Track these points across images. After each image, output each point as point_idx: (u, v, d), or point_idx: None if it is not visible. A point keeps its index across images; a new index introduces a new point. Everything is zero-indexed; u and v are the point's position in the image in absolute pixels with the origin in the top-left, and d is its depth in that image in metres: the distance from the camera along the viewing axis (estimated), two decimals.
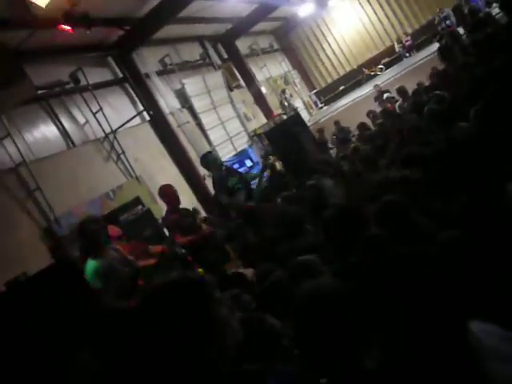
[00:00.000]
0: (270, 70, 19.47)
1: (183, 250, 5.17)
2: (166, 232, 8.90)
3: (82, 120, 9.48)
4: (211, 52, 15.77)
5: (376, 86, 13.47)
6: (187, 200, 9.70)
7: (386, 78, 16.51)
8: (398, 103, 9.52)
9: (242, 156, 14.27)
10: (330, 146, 12.88)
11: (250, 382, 1.41)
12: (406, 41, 19.79)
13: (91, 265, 4.50)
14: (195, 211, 7.80)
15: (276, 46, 21.81)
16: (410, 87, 9.36)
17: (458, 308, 1.70)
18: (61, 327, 3.01)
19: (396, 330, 1.87)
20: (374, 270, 2.46)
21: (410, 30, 20.70)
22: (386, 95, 11.38)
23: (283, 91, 18.93)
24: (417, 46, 19.53)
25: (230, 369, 1.38)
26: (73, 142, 9.02)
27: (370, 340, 1.60)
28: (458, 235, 2.49)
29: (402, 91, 9.14)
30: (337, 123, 12.70)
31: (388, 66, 20.03)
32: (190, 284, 1.43)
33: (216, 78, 14.54)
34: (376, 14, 21.40)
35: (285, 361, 2.11)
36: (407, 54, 19.61)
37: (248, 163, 14.00)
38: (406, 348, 1.72)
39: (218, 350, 1.37)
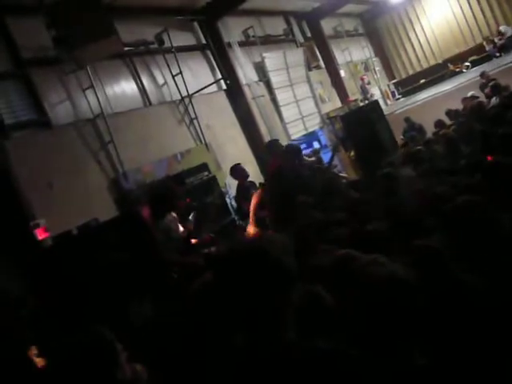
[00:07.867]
0: (352, 54, 19.03)
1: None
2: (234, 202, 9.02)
3: (161, 81, 9.68)
4: (295, 29, 15.63)
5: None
6: (252, 172, 9.71)
7: (471, 76, 15.76)
8: (492, 99, 8.98)
9: (311, 137, 14.16)
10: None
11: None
12: (500, 39, 18.74)
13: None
14: (262, 186, 7.78)
15: (361, 30, 21.31)
16: None
17: None
18: (127, 271, 3.14)
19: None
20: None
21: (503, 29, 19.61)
22: (470, 93, 10.87)
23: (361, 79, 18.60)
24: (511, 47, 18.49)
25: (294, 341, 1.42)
26: (149, 101, 9.24)
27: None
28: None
29: (495, 87, 8.64)
30: (407, 120, 12.16)
31: (475, 64, 19.14)
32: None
33: (296, 55, 14.41)
34: (471, 7, 20.40)
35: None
36: (497, 54, 18.62)
37: (315, 145, 13.87)
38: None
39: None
